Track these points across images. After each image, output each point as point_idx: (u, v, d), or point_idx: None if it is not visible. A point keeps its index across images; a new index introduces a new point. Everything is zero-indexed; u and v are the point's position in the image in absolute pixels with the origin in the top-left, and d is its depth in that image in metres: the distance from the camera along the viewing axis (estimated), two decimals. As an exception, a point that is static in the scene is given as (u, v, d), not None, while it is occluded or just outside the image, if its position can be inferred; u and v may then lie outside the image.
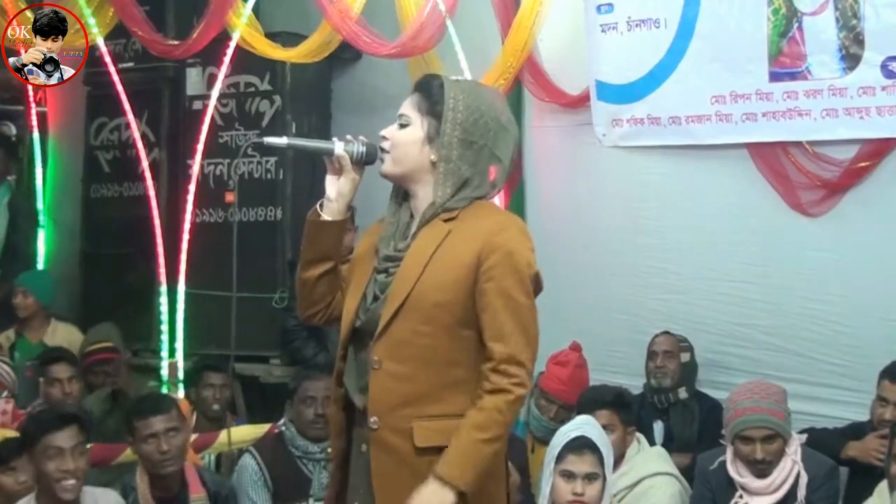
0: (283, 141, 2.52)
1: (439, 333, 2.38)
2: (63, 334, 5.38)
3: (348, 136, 2.52)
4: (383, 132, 2.50)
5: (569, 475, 3.18)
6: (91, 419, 4.21)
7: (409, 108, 2.49)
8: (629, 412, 3.84)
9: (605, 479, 3.19)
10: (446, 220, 2.43)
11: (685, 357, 4.45)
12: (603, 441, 3.24)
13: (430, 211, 2.45)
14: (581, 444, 3.18)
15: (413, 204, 2.51)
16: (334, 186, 2.51)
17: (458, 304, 2.38)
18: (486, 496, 2.42)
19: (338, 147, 2.49)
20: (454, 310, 2.38)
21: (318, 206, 2.53)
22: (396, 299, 2.38)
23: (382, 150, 2.48)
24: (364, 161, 2.51)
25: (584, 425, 3.27)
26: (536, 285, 2.44)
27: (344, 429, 2.52)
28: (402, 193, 2.54)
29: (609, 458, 3.23)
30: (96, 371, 4.84)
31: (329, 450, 3.96)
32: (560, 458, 3.20)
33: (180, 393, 4.98)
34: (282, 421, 4.15)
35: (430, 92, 2.48)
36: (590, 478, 3.16)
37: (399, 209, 2.53)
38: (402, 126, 2.48)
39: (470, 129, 2.44)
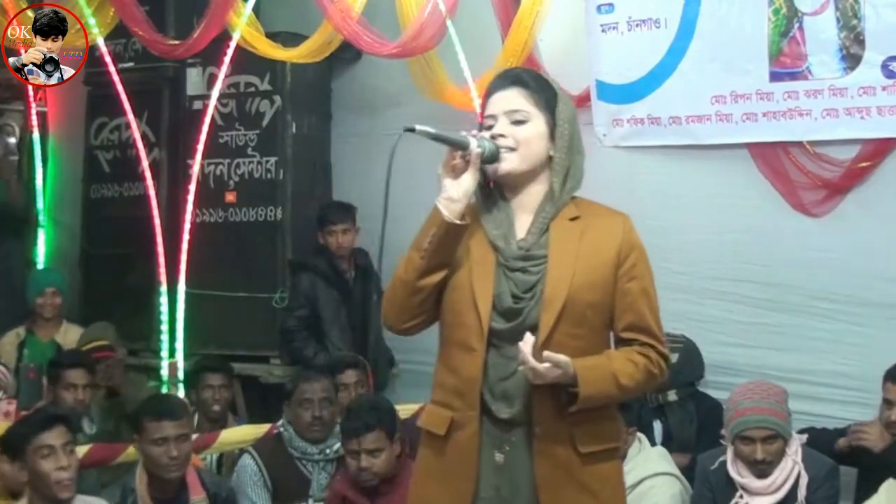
0: (431, 130, 2.37)
1: (590, 335, 2.37)
2: (74, 336, 5.34)
3: (475, 132, 2.39)
4: (499, 130, 2.39)
5: None
6: (81, 420, 4.22)
7: (523, 103, 2.41)
8: (630, 412, 3.83)
9: None
10: (572, 219, 2.41)
11: (672, 358, 4.41)
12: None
13: (552, 208, 2.41)
14: None
15: (517, 198, 2.45)
16: (458, 186, 2.36)
17: (605, 304, 2.39)
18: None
19: (473, 143, 2.35)
20: (602, 309, 2.39)
21: (438, 207, 2.36)
22: (556, 303, 2.33)
23: (507, 148, 2.39)
24: (490, 160, 2.39)
25: None
26: None
27: (475, 441, 2.36)
28: (493, 189, 2.46)
29: None
30: (93, 370, 4.81)
31: (328, 451, 3.98)
32: None
33: (180, 393, 4.98)
34: (280, 422, 4.15)
35: (540, 85, 2.44)
36: None
37: (494, 203, 2.45)
38: (520, 122, 2.40)
39: (572, 125, 2.45)
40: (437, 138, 2.37)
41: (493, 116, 2.42)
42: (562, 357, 2.27)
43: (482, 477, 2.36)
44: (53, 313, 5.43)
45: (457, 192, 2.35)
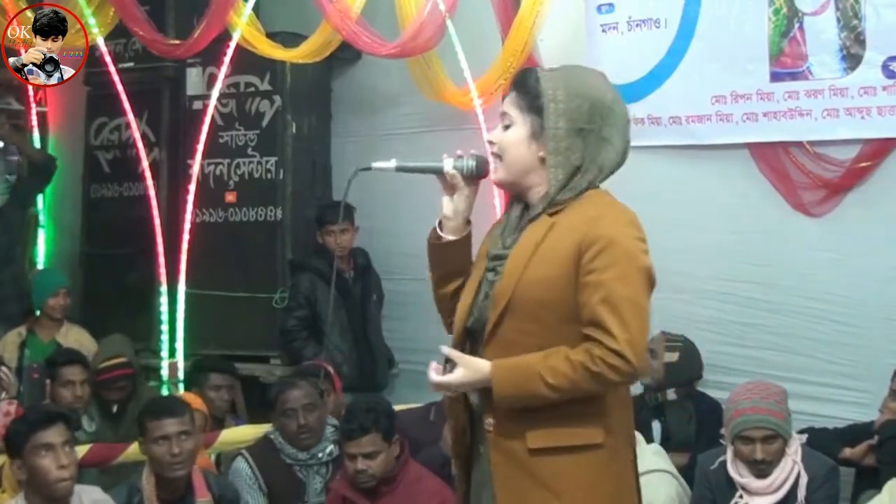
0: (391, 165, 2.44)
1: (545, 332, 2.31)
2: (75, 336, 5.33)
3: (458, 152, 2.45)
4: (490, 137, 2.45)
5: None
6: (81, 418, 4.22)
7: (509, 107, 2.41)
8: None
9: None
10: (551, 214, 2.36)
11: (671, 357, 4.40)
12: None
13: (541, 205, 2.38)
14: None
15: (529, 198, 2.44)
16: (450, 205, 2.48)
17: (564, 302, 2.29)
18: None
19: (447, 165, 2.43)
20: (560, 308, 2.30)
21: (437, 225, 2.49)
22: (502, 299, 2.33)
23: (495, 155, 2.41)
24: (476, 175, 2.45)
25: None
26: (648, 279, 2.34)
27: (467, 428, 2.47)
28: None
29: None
30: (111, 388, 4.69)
31: (320, 455, 3.98)
32: None
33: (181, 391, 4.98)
34: (271, 429, 4.12)
35: (526, 88, 2.41)
36: None
37: (512, 205, 2.49)
38: (507, 127, 2.41)
39: (574, 116, 2.36)
40: (402, 170, 2.48)
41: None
42: (460, 354, 2.35)
43: (473, 465, 2.47)
44: (63, 314, 5.43)
45: (448, 209, 2.48)
